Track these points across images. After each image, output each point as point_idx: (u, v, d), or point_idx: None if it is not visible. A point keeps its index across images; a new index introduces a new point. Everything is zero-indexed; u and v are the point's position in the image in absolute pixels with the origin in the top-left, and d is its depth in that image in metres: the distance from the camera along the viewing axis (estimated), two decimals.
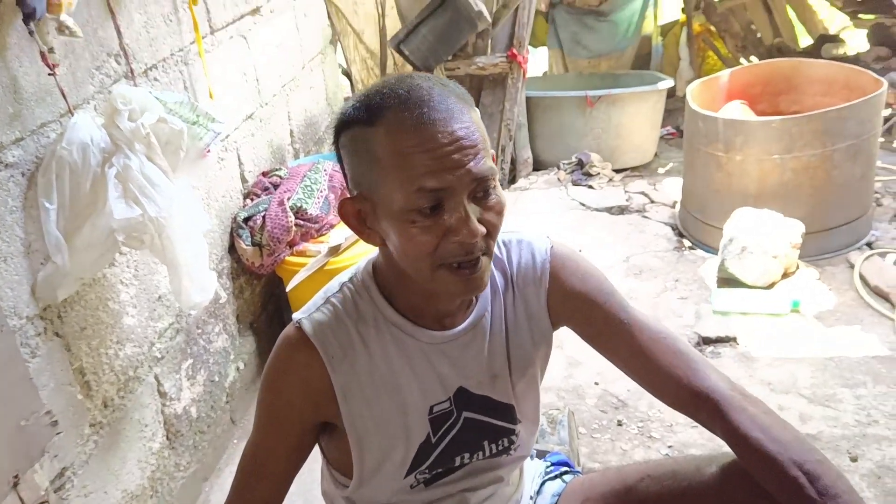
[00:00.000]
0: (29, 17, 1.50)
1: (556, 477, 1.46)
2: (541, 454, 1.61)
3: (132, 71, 1.87)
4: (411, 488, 1.22)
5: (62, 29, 1.60)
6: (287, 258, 2.57)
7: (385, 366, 1.14)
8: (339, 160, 1.09)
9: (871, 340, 2.57)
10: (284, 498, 1.22)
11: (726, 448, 1.13)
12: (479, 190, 0.99)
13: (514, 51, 4.10)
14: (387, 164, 0.98)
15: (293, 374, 1.13)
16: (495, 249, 1.21)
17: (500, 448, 1.25)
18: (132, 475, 1.90)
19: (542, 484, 1.44)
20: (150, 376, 2.01)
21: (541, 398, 1.31)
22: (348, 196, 1.08)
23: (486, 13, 3.94)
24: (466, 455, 1.23)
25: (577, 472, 1.50)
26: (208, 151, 1.77)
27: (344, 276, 1.20)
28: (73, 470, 1.68)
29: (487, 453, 1.24)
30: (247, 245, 2.50)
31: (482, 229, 0.99)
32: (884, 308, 2.73)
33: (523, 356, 1.23)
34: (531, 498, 1.42)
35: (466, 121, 0.98)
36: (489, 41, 4.17)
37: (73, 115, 1.63)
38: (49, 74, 1.56)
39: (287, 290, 2.46)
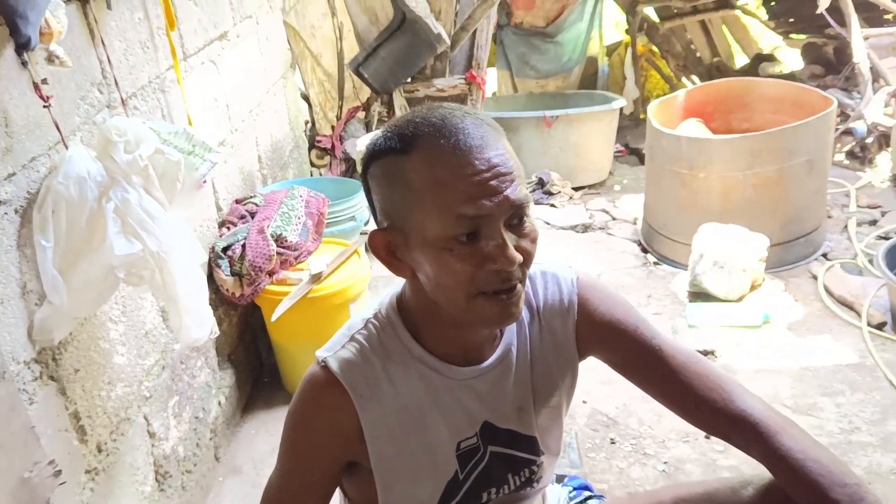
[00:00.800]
0: (23, 46, 1.43)
1: (581, 502, 1.45)
2: (559, 478, 1.60)
3: (122, 100, 1.80)
4: None
5: (52, 58, 1.53)
6: (267, 287, 2.51)
7: (412, 404, 1.12)
8: (367, 192, 1.07)
9: (842, 349, 2.66)
10: None
11: (716, 462, 1.13)
12: (515, 217, 0.98)
13: (473, 72, 4.13)
14: (422, 191, 0.97)
15: (322, 416, 1.11)
16: None
17: (524, 480, 1.24)
18: None
19: None
20: (139, 416, 1.92)
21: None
22: (377, 228, 1.06)
23: (444, 35, 3.96)
24: (493, 490, 1.21)
25: (601, 496, 1.49)
26: (205, 182, 1.72)
27: (367, 312, 1.17)
28: None
29: (513, 486, 1.23)
30: (226, 275, 2.43)
31: (519, 257, 0.97)
32: (850, 317, 2.84)
33: (548, 388, 1.22)
34: None
35: (501, 148, 0.98)
36: (448, 63, 4.19)
37: (66, 147, 1.55)
38: (44, 107, 1.49)
39: (272, 320, 2.39)
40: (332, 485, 1.18)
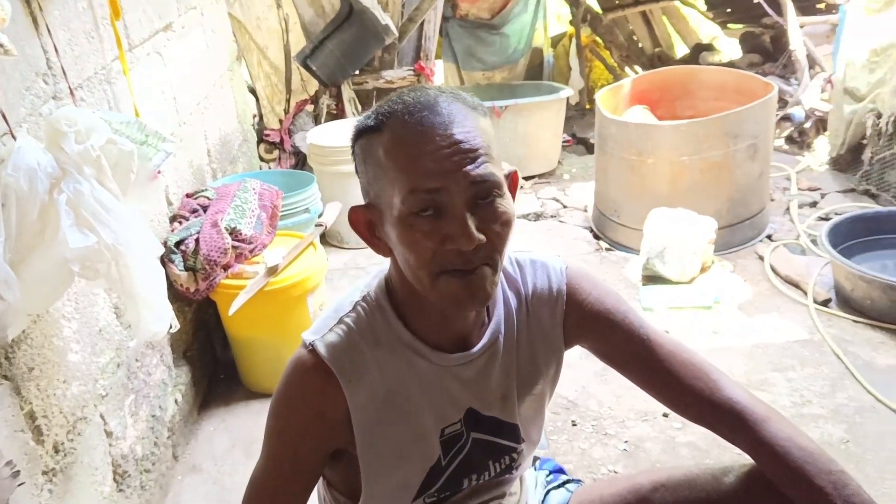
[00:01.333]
0: None
1: (559, 486, 1.45)
2: (532, 461, 1.61)
3: (71, 90, 1.75)
4: None
5: None
6: (223, 281, 2.47)
7: (399, 389, 1.11)
8: (357, 171, 1.07)
9: (791, 326, 2.75)
10: None
11: (690, 452, 1.15)
12: (481, 197, 0.97)
13: (422, 63, 4.14)
14: (388, 168, 0.97)
15: (308, 401, 1.09)
16: (509, 268, 1.21)
17: (504, 467, 1.24)
18: None
19: (547, 493, 1.44)
20: (96, 416, 1.87)
21: None
22: (358, 205, 1.06)
23: (392, 27, 3.95)
24: (474, 476, 1.21)
25: (578, 481, 1.49)
26: (159, 172, 1.68)
27: (355, 294, 1.16)
28: None
29: (493, 473, 1.23)
30: (180, 270, 2.38)
31: (480, 237, 0.96)
32: (796, 295, 2.93)
33: (532, 377, 1.21)
34: None
35: (469, 125, 0.97)
36: (396, 55, 4.18)
37: (14, 138, 1.50)
38: None
39: (230, 314, 2.35)
40: (319, 470, 1.16)
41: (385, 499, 1.16)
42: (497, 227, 0.99)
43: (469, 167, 0.95)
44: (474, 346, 1.14)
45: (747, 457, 1.17)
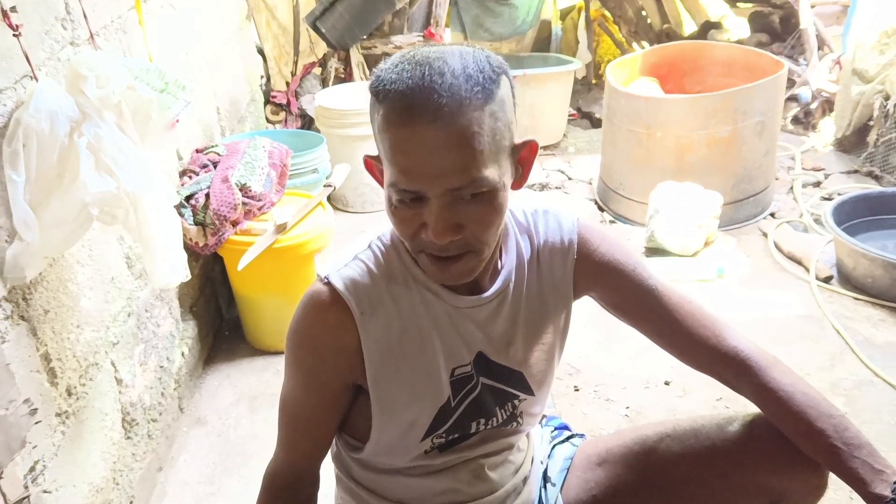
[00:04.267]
0: None
1: (564, 440, 1.48)
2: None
3: (91, 35, 1.74)
4: (426, 453, 1.21)
5: None
6: (231, 237, 2.48)
7: (413, 325, 1.13)
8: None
9: (792, 301, 2.77)
10: (328, 450, 1.24)
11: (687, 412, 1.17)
12: (466, 194, 0.95)
13: (432, 30, 4.11)
14: (382, 142, 0.97)
15: (325, 334, 1.10)
16: (521, 217, 1.22)
17: (509, 415, 1.25)
18: (96, 467, 1.79)
19: (553, 448, 1.46)
20: (107, 362, 1.89)
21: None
22: (374, 154, 1.07)
23: None
24: (482, 421, 1.23)
25: (583, 435, 1.52)
26: (177, 121, 1.68)
27: (371, 236, 1.17)
28: (43, 462, 1.56)
29: (500, 420, 1.25)
30: (189, 224, 2.39)
31: (453, 235, 0.96)
32: (799, 271, 2.95)
33: (540, 326, 1.23)
34: (542, 462, 1.44)
35: (461, 124, 0.90)
36: (406, 20, 4.15)
37: (36, 80, 1.50)
38: (14, 35, 1.43)
39: (238, 269, 2.36)
40: (346, 398, 1.18)
41: (395, 438, 1.18)
42: (477, 220, 0.97)
43: (450, 175, 0.92)
44: (486, 290, 1.16)
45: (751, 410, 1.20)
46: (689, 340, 1.21)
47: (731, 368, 1.18)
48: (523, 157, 1.05)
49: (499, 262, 1.18)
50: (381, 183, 1.07)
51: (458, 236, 0.96)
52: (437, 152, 0.91)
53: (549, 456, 1.46)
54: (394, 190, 0.96)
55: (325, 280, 1.10)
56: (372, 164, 1.08)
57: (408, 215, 0.97)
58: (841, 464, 1.09)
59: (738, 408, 2.25)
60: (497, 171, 0.96)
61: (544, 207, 1.25)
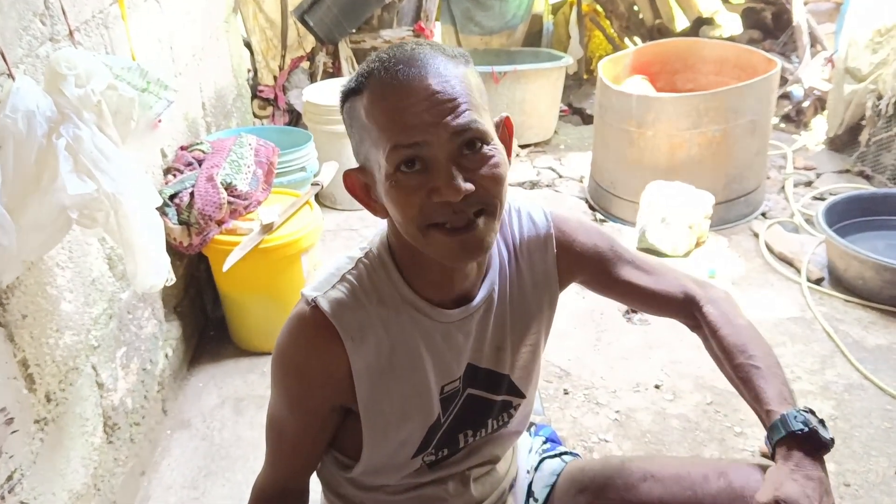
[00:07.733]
0: None
1: (555, 456, 1.45)
2: (528, 427, 1.61)
3: (70, 31, 1.69)
4: (416, 471, 1.20)
5: None
6: (216, 237, 2.44)
7: (403, 347, 1.10)
8: (348, 135, 1.05)
9: (783, 303, 2.76)
10: (317, 465, 1.24)
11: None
12: (466, 147, 0.93)
13: (422, 24, 4.07)
14: (371, 128, 0.95)
15: (313, 359, 1.07)
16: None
17: (500, 423, 1.24)
18: (77, 473, 1.75)
19: (541, 460, 1.44)
20: (87, 366, 1.85)
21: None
22: (354, 168, 1.03)
23: None
24: (470, 433, 1.21)
25: (576, 454, 1.49)
26: (159, 121, 1.64)
27: (356, 252, 1.14)
28: (21, 471, 1.52)
29: (489, 429, 1.23)
30: (174, 224, 2.35)
31: (468, 187, 0.92)
32: (790, 272, 2.94)
33: (525, 325, 1.22)
34: (528, 472, 1.42)
35: (448, 75, 0.93)
36: (395, 14, 4.11)
37: (13, 78, 1.45)
38: None
39: (224, 270, 2.32)
40: (333, 421, 1.15)
41: (386, 457, 1.16)
42: (486, 172, 0.95)
43: (449, 118, 0.91)
44: (474, 299, 1.13)
45: (747, 455, 1.19)
46: (662, 299, 1.28)
47: (685, 311, 1.28)
48: (503, 135, 1.04)
49: (484, 268, 1.15)
50: (363, 199, 1.04)
51: (471, 189, 0.93)
52: (433, 100, 0.91)
53: (536, 468, 1.43)
54: (397, 154, 0.92)
55: (313, 303, 1.06)
56: (354, 180, 1.04)
57: (413, 183, 0.93)
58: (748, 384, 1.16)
59: (728, 411, 2.24)
60: (491, 128, 0.97)
61: (515, 205, 1.24)
